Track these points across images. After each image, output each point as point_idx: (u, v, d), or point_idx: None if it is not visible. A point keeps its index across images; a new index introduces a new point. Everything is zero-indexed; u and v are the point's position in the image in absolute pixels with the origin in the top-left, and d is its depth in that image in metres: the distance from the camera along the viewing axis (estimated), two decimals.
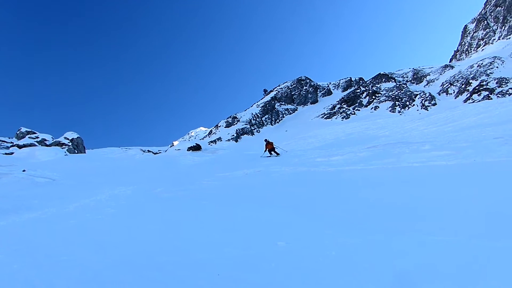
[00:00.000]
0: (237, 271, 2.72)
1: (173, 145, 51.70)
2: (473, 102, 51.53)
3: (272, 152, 20.58)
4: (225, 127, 70.81)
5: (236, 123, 70.71)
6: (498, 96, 52.84)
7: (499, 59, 67.53)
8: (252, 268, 2.75)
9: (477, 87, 57.82)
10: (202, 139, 72.52)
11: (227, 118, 74.34)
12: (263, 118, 75.58)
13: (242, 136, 65.15)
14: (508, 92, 53.69)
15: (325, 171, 9.73)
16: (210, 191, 8.45)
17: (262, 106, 78.65)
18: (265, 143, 21.50)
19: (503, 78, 58.02)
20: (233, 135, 64.00)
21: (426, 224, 3.64)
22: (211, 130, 77.50)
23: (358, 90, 76.35)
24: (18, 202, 7.17)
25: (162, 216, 5.67)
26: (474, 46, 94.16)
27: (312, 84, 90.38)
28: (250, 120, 71.99)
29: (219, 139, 62.84)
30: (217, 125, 74.94)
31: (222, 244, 3.52)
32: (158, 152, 39.69)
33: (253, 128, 69.86)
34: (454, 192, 4.99)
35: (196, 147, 29.33)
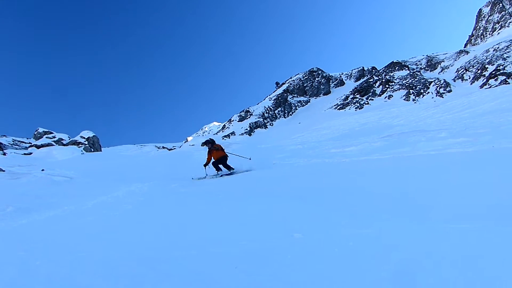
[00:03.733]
0: (254, 264, 2.72)
1: (187, 140, 52.11)
2: (490, 87, 50.11)
3: (221, 166, 11.53)
4: (238, 121, 70.81)
5: (249, 117, 70.62)
6: None
7: None
8: (270, 261, 2.74)
9: (493, 72, 56.18)
10: (216, 134, 72.81)
11: (240, 112, 74.29)
12: (276, 111, 75.27)
13: (255, 130, 65.08)
14: None
15: (340, 162, 9.66)
16: (225, 185, 8.49)
17: (274, 99, 78.30)
18: (207, 148, 11.95)
19: None
20: (247, 129, 63.96)
21: (443, 212, 3.58)
22: (224, 125, 77.56)
23: (371, 80, 75.25)
24: (38, 201, 7.32)
25: (178, 211, 5.72)
26: (490, 30, 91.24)
27: (324, 75, 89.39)
28: (263, 113, 71.79)
29: (233, 133, 62.91)
30: (230, 119, 74.97)
31: (238, 238, 3.51)
32: (172, 148, 40.06)
33: (266, 122, 69.69)
34: (472, 179, 4.88)
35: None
